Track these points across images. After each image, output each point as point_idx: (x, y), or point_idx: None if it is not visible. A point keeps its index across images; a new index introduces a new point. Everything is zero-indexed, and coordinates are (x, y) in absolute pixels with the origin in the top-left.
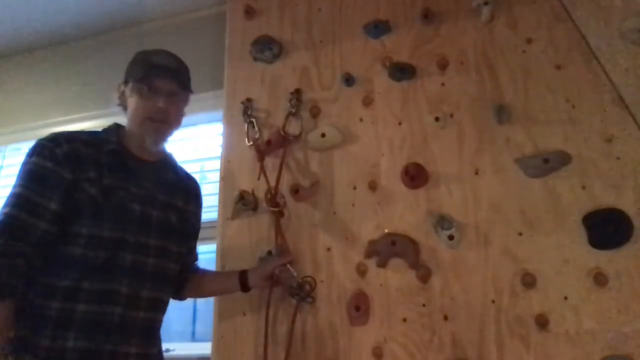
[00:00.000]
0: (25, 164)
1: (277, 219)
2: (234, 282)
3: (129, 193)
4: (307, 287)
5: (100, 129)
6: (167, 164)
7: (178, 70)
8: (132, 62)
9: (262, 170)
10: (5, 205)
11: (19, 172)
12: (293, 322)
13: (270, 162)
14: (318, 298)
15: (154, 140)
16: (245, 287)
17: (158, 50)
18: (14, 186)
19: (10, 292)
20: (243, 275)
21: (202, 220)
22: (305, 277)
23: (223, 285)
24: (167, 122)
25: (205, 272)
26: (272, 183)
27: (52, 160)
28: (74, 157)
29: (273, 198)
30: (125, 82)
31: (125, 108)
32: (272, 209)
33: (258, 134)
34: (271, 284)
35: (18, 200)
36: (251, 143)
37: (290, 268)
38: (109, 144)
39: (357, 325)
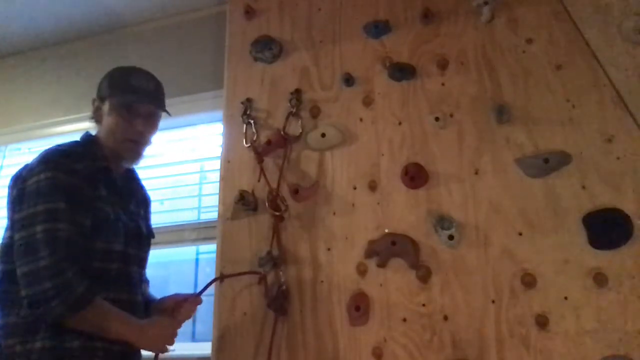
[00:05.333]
0: (46, 178)
1: (276, 224)
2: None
3: (120, 207)
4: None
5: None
6: (132, 174)
7: (156, 92)
8: (110, 81)
9: (262, 172)
10: (42, 221)
11: (41, 187)
12: (273, 334)
13: (271, 163)
14: (318, 298)
15: (132, 160)
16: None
17: (134, 69)
18: (42, 201)
19: (91, 296)
20: (148, 305)
21: (202, 220)
22: (280, 286)
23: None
24: (145, 143)
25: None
26: (273, 184)
27: (74, 176)
28: (89, 175)
29: (274, 201)
30: (101, 99)
31: (98, 122)
32: (272, 212)
33: (255, 135)
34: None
35: (56, 215)
36: (249, 144)
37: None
38: (100, 160)
39: (357, 325)
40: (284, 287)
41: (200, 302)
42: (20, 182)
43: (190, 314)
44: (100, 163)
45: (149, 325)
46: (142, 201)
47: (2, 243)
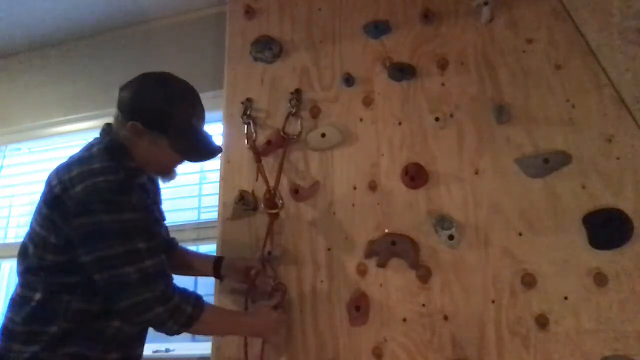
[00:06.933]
0: (111, 221)
1: (272, 222)
2: (208, 267)
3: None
4: (279, 295)
5: (97, 132)
6: None
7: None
8: (171, 116)
9: (260, 171)
10: (129, 262)
11: (107, 229)
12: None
13: (270, 163)
14: (318, 298)
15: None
16: (217, 274)
17: (195, 99)
18: (119, 243)
19: (198, 313)
20: (218, 262)
21: (201, 220)
22: (277, 283)
23: (200, 267)
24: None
25: (186, 251)
26: (272, 184)
27: (136, 211)
28: (144, 203)
29: (271, 199)
30: (152, 127)
31: (127, 138)
32: (268, 210)
33: (255, 135)
34: (246, 281)
35: (139, 255)
36: (249, 145)
37: (270, 276)
38: (139, 177)
39: (357, 325)
40: (273, 282)
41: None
42: (72, 218)
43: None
44: (140, 180)
45: (256, 315)
46: (157, 192)
47: (23, 245)
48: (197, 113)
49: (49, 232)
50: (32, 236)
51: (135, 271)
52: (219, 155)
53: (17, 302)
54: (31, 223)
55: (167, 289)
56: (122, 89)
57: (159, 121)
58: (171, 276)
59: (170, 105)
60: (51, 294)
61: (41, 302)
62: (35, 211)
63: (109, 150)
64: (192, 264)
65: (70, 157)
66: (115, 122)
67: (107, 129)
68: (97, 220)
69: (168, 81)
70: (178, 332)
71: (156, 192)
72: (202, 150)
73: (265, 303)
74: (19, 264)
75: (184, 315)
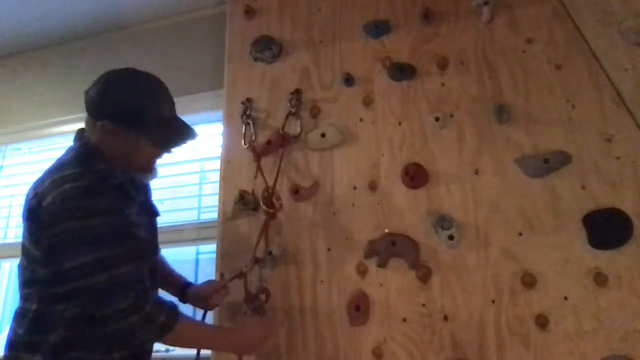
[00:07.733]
0: (81, 227)
1: (267, 220)
2: (175, 290)
3: (137, 211)
4: (262, 297)
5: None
6: None
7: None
8: (140, 112)
9: (259, 170)
10: (101, 270)
11: (77, 237)
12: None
13: (270, 162)
14: (318, 298)
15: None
16: (183, 298)
17: (161, 92)
18: (91, 250)
19: (172, 324)
20: (185, 288)
21: (202, 220)
22: (262, 286)
23: (170, 284)
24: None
25: (163, 263)
26: (271, 183)
27: (106, 215)
28: (117, 205)
29: (269, 198)
30: (122, 123)
31: (100, 138)
32: (266, 208)
33: (254, 135)
34: (206, 306)
35: (113, 261)
36: (247, 145)
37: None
38: (113, 177)
39: (357, 325)
40: (264, 284)
41: (228, 292)
42: (46, 229)
43: (219, 301)
44: (114, 181)
45: (237, 331)
46: (146, 189)
47: (20, 259)
48: (163, 101)
49: (33, 246)
50: (23, 251)
51: (107, 280)
52: (195, 138)
53: (19, 315)
54: (22, 238)
55: (139, 297)
56: (87, 91)
57: (127, 117)
58: (145, 282)
59: (136, 98)
60: (46, 305)
61: (38, 313)
62: (22, 227)
63: (79, 155)
64: (165, 278)
65: (47, 169)
66: (87, 125)
67: (79, 135)
68: (68, 228)
69: (131, 75)
70: (151, 342)
71: (145, 191)
72: (174, 138)
73: (253, 318)
74: (18, 278)
75: (156, 325)
